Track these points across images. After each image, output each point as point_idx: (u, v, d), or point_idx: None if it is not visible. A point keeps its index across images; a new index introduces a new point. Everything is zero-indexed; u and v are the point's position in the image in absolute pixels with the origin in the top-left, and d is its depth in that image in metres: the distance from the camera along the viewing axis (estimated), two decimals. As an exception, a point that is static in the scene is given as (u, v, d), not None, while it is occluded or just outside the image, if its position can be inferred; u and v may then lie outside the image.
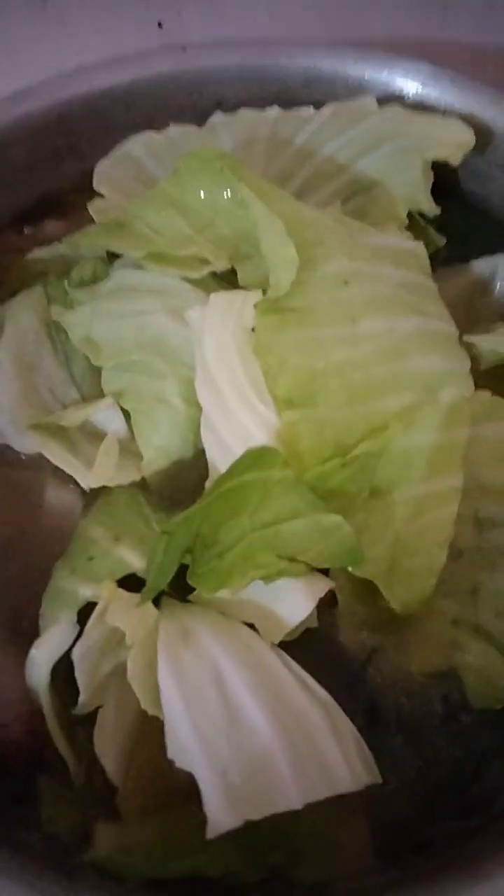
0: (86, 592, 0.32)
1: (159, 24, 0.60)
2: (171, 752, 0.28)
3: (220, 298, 0.37)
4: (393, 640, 0.36)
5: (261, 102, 0.50)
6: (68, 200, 0.49)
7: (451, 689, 0.35)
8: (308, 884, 0.30)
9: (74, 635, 0.32)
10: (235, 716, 0.29)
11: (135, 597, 0.32)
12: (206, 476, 0.39)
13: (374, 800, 0.32)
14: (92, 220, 0.46)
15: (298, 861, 0.30)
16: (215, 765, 0.27)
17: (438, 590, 0.36)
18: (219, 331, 0.36)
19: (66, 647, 0.31)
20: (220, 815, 0.26)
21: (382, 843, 0.32)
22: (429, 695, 0.36)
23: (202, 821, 0.29)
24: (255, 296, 0.37)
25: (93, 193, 0.47)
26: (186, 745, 0.28)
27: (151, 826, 0.31)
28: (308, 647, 0.34)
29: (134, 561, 0.33)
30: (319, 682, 0.33)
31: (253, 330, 0.36)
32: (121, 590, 0.32)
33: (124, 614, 0.30)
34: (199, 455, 0.39)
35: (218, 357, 0.36)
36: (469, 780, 0.33)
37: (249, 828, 0.28)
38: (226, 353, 0.36)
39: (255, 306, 0.36)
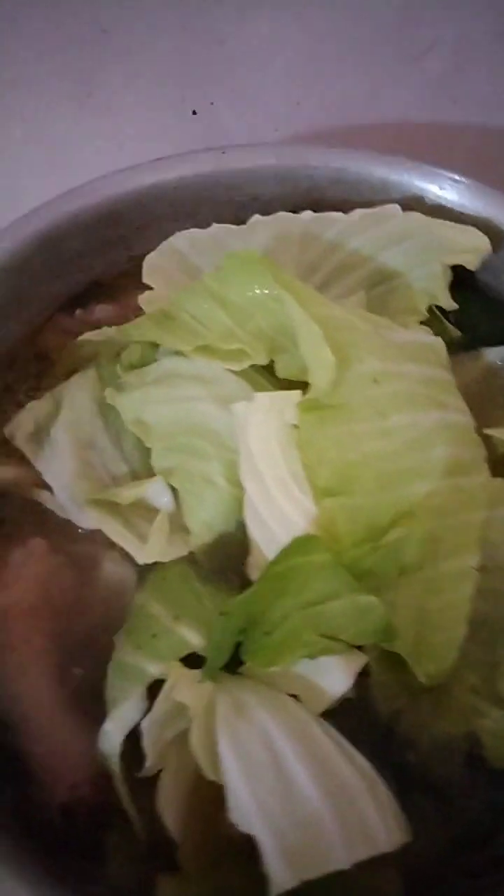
0: (153, 670, 0.36)
1: (193, 112, 0.65)
2: (234, 817, 0.32)
3: (264, 398, 0.41)
4: (419, 705, 0.40)
5: (292, 198, 0.54)
6: (116, 285, 0.54)
7: (472, 749, 0.39)
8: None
9: (145, 709, 0.36)
10: (288, 783, 0.33)
11: (196, 673, 0.36)
12: (248, 547, 0.43)
13: (405, 855, 0.36)
14: (137, 305, 0.51)
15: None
16: (273, 829, 0.31)
17: (460, 660, 0.40)
18: (262, 426, 0.41)
19: (137, 721, 0.35)
20: (282, 875, 0.30)
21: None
22: (451, 755, 0.39)
23: (256, 875, 0.33)
24: (296, 395, 0.41)
25: (138, 278, 0.51)
26: (246, 811, 0.32)
27: (209, 880, 0.35)
28: (342, 713, 0.39)
29: (194, 640, 0.37)
30: (353, 744, 0.37)
31: (295, 426, 0.40)
32: (185, 668, 0.36)
33: (188, 690, 0.34)
34: (241, 529, 0.43)
35: (262, 450, 0.41)
36: (487, 838, 0.37)
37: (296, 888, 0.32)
38: (269, 447, 0.40)
39: (298, 405, 0.40)
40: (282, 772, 0.33)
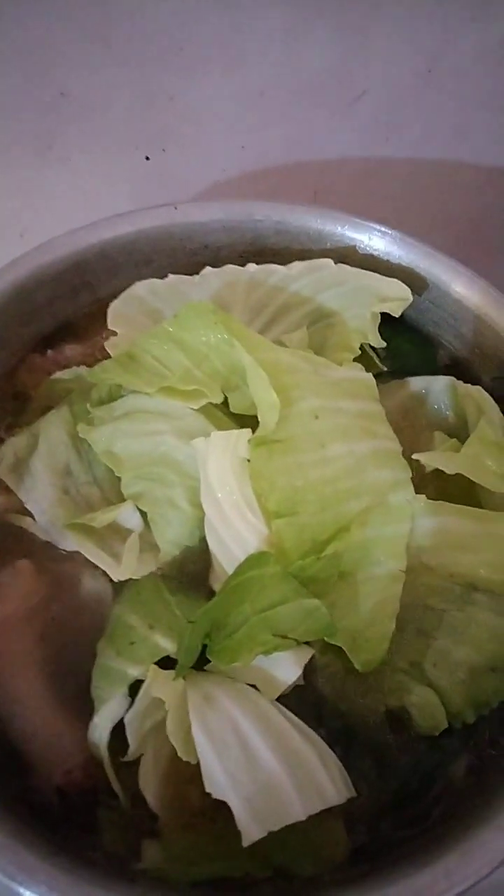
0: (133, 672, 0.43)
1: (147, 158, 0.71)
2: (209, 788, 0.39)
3: (220, 435, 0.48)
4: (358, 686, 0.48)
5: (239, 246, 0.61)
6: (83, 326, 0.60)
7: (403, 720, 0.47)
8: (304, 877, 0.41)
9: (128, 705, 0.42)
10: (252, 757, 0.40)
11: (170, 673, 0.42)
12: (210, 561, 0.50)
13: (349, 809, 0.43)
14: (103, 343, 0.57)
15: (295, 860, 0.42)
16: (242, 794, 0.38)
17: (392, 647, 0.48)
18: (219, 460, 0.47)
19: (121, 715, 0.42)
20: (250, 829, 0.37)
21: (356, 843, 0.43)
22: (385, 726, 0.47)
23: (224, 835, 0.40)
24: (247, 433, 0.48)
25: (103, 319, 0.57)
26: (219, 783, 0.39)
27: (185, 841, 0.42)
28: (295, 697, 0.46)
29: (166, 645, 0.44)
30: (306, 722, 0.44)
31: (247, 459, 0.47)
32: (159, 669, 0.43)
33: (163, 687, 0.41)
34: (204, 544, 0.50)
35: (219, 480, 0.47)
36: (416, 797, 0.45)
37: (261, 840, 0.39)
38: (225, 478, 0.47)
39: (249, 441, 0.47)
40: (246, 747, 0.40)
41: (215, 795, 0.39)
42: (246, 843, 0.38)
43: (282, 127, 0.74)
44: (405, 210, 0.84)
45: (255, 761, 0.40)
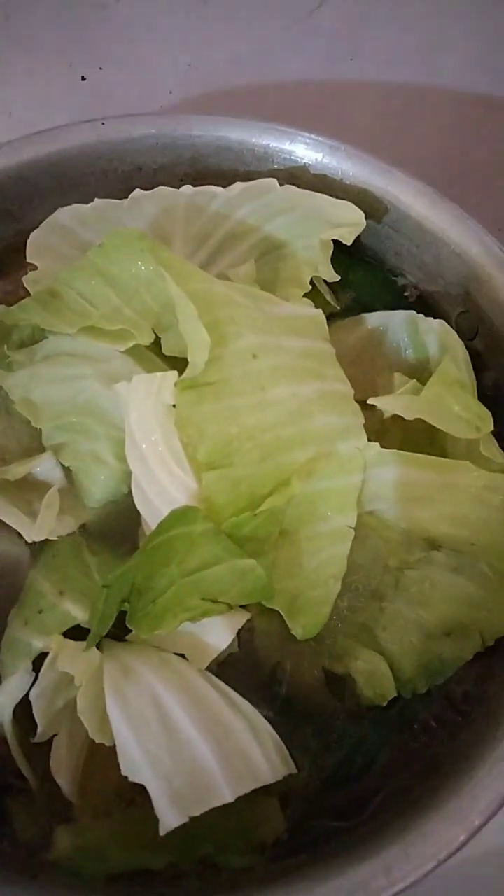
0: (38, 644, 0.38)
1: (83, 78, 0.64)
2: (125, 770, 0.34)
3: (142, 379, 0.42)
4: (300, 651, 0.43)
5: (177, 168, 0.54)
6: (4, 260, 0.53)
7: (348, 689, 0.43)
8: (232, 869, 0.37)
9: (31, 681, 0.38)
10: (174, 733, 0.35)
11: (80, 644, 0.37)
12: (138, 517, 0.45)
13: (286, 788, 0.39)
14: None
15: (224, 846, 0.37)
16: (161, 775, 0.34)
17: (344, 607, 0.43)
18: (141, 408, 0.42)
19: (24, 692, 0.37)
20: (169, 815, 0.33)
21: (293, 825, 0.39)
22: (329, 695, 0.43)
23: (145, 822, 0.36)
24: (172, 376, 0.42)
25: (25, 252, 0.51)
26: (136, 763, 0.34)
27: (101, 829, 0.38)
28: (231, 665, 0.42)
29: (77, 614, 0.39)
30: (242, 692, 0.40)
31: (173, 405, 0.42)
32: (67, 640, 0.38)
33: (72, 660, 0.36)
34: (132, 500, 0.45)
35: (141, 430, 0.42)
36: (357, 777, 0.40)
37: (185, 826, 0.34)
38: (148, 427, 0.42)
39: (175, 384, 0.41)
40: (167, 723, 0.36)
41: (131, 778, 0.35)
42: (163, 830, 0.33)
43: (231, 42, 0.67)
44: (379, 138, 0.76)
45: (178, 738, 0.35)
